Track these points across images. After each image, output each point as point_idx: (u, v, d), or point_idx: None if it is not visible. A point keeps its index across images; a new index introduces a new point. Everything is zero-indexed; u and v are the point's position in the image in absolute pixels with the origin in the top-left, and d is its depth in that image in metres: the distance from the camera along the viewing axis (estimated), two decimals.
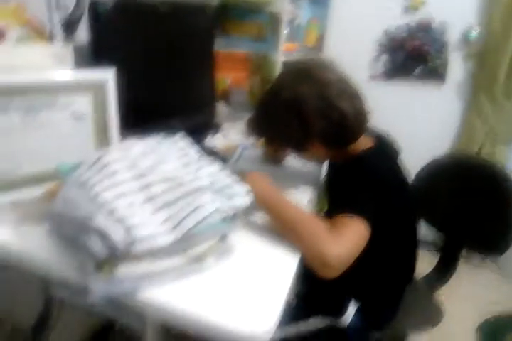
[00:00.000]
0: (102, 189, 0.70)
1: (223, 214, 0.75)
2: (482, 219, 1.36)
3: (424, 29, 2.08)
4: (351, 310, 1.18)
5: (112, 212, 0.67)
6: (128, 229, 0.66)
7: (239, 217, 0.78)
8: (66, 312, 1.03)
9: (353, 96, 1.04)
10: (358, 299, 1.18)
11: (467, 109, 2.19)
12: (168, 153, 0.80)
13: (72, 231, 0.71)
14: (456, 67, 2.15)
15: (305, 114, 1.01)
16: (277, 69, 1.71)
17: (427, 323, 1.34)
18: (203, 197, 0.73)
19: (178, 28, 1.25)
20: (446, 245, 1.49)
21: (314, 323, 1.17)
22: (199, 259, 0.75)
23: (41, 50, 0.98)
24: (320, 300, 1.22)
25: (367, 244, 0.93)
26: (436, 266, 1.49)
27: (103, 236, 0.65)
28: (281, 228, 0.92)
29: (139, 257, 0.68)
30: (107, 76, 0.98)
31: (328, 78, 1.03)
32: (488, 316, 2.04)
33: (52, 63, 0.99)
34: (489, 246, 1.36)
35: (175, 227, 0.70)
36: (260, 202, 0.92)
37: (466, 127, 2.20)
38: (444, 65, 2.15)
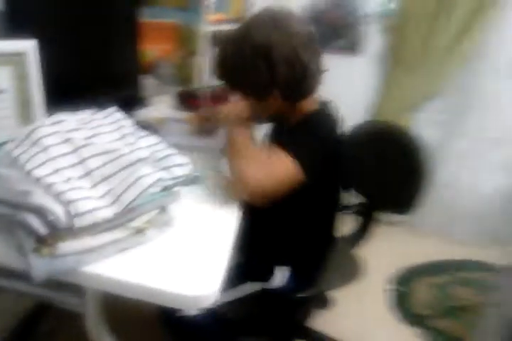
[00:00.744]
0: (37, 165, 0.68)
1: (163, 185, 0.77)
2: (394, 180, 1.50)
3: (342, 2, 2.16)
4: (280, 274, 1.27)
5: (49, 188, 0.66)
6: (67, 205, 0.66)
7: (178, 188, 0.81)
8: None
9: (316, 52, 1.08)
10: (285, 263, 1.27)
11: (382, 79, 2.34)
12: (103, 126, 0.79)
13: (6, 210, 0.70)
14: (373, 40, 2.27)
15: (273, 61, 1.03)
16: (203, 41, 1.70)
17: (349, 279, 1.48)
18: (143, 169, 0.74)
19: None
20: (363, 206, 1.63)
21: (247, 289, 1.25)
22: (140, 231, 0.77)
23: None
24: (251, 268, 1.29)
25: (293, 205, 1.00)
26: (355, 226, 1.63)
27: (42, 213, 0.64)
28: (230, 155, 1.03)
29: (79, 232, 0.69)
30: (28, 47, 0.93)
31: (299, 29, 1.05)
32: (401, 267, 2.28)
33: None
34: (400, 206, 1.52)
35: (115, 201, 0.71)
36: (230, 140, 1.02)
37: (381, 97, 2.36)
38: (361, 38, 2.26)
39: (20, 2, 0.99)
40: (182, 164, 0.80)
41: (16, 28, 0.98)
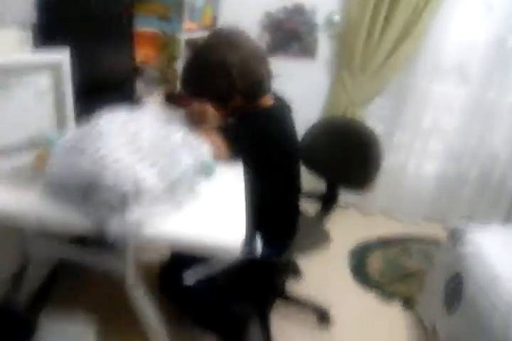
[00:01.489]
0: (104, 152, 0.89)
1: (194, 168, 0.99)
2: (351, 164, 1.79)
3: (299, 12, 2.44)
4: (258, 242, 1.52)
5: (118, 171, 0.87)
6: (134, 182, 0.87)
7: (204, 170, 1.03)
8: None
9: (265, 59, 1.35)
10: (262, 233, 1.52)
11: (333, 80, 2.65)
12: (145, 122, 1.00)
13: (79, 189, 0.89)
14: (324, 46, 2.58)
15: (231, 77, 1.29)
16: (181, 47, 1.91)
17: (316, 247, 1.76)
18: (181, 154, 0.97)
19: (102, 8, 1.39)
20: (327, 187, 1.91)
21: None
22: (179, 203, 0.99)
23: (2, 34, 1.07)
24: None
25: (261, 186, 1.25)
26: (321, 204, 1.92)
27: (115, 189, 0.85)
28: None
29: (143, 202, 0.90)
30: (63, 56, 1.11)
31: (248, 46, 1.33)
32: (358, 243, 2.61)
33: (14, 46, 1.08)
34: (356, 185, 1.82)
35: (164, 179, 0.93)
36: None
37: (332, 96, 2.66)
38: (314, 44, 2.55)
39: (50, 17, 1.17)
40: (207, 152, 1.03)
41: (46, 38, 1.17)
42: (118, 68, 1.52)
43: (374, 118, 2.70)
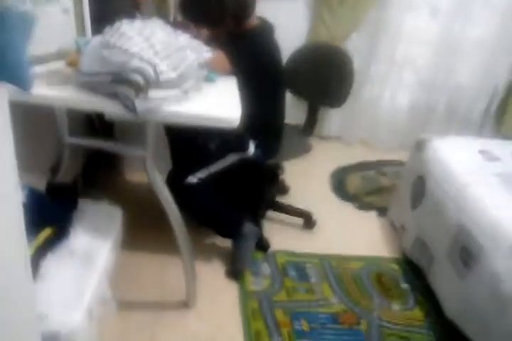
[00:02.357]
0: (129, 46, 1.13)
1: (198, 62, 1.24)
2: (330, 84, 2.05)
3: None
4: (251, 146, 1.80)
5: (142, 58, 1.11)
6: (154, 67, 1.12)
7: (205, 66, 1.28)
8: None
9: None
10: (254, 138, 1.79)
11: (312, 15, 2.85)
12: (156, 27, 1.24)
13: (110, 77, 1.14)
14: None
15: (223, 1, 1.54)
16: None
17: (301, 153, 2.06)
18: (187, 52, 1.21)
19: None
20: (309, 104, 2.18)
21: (230, 159, 1.77)
22: (186, 92, 1.24)
23: None
24: (230, 144, 1.78)
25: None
26: (305, 119, 2.19)
27: (141, 71, 1.10)
28: None
29: (158, 86, 1.15)
30: None
31: None
32: (338, 166, 2.91)
33: None
34: (334, 102, 2.09)
35: (175, 68, 1.18)
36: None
37: (313, 31, 2.87)
38: None
39: None
40: (207, 50, 1.27)
41: None
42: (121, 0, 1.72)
43: (351, 51, 2.92)
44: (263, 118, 1.76)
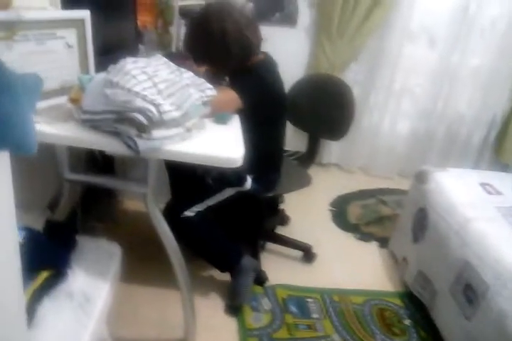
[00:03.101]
0: (132, 85, 1.12)
1: (202, 100, 1.23)
2: (331, 117, 2.05)
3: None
4: (249, 180, 1.78)
5: (144, 98, 1.10)
6: (157, 107, 1.11)
7: (208, 104, 1.27)
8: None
9: (256, 26, 1.59)
10: (253, 172, 1.78)
11: (313, 46, 2.89)
12: (159, 65, 1.23)
13: (114, 116, 1.13)
14: (304, 14, 2.80)
15: (228, 43, 1.54)
16: (176, 13, 2.13)
17: (299, 186, 2.04)
18: (190, 90, 1.21)
19: None
20: (309, 136, 2.18)
21: (227, 193, 1.75)
22: (189, 130, 1.23)
23: None
24: (227, 178, 1.76)
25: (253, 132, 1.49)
26: (306, 150, 2.18)
27: (144, 111, 1.09)
28: None
29: (161, 125, 1.14)
30: (86, 15, 1.33)
31: (240, 15, 1.55)
32: (337, 195, 2.89)
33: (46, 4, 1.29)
34: (335, 134, 2.09)
35: (178, 107, 1.17)
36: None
37: (313, 59, 2.90)
38: (295, 12, 2.77)
39: None
40: (210, 88, 1.27)
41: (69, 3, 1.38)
42: (124, 32, 1.73)
43: (351, 81, 2.94)
44: (263, 151, 1.75)
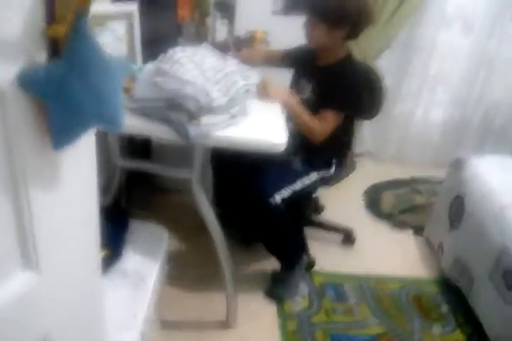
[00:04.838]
0: (182, 73, 1.17)
1: (246, 88, 1.27)
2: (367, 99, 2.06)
3: None
4: (333, 163, 1.82)
5: (194, 85, 1.15)
6: (207, 93, 1.15)
7: (252, 91, 1.32)
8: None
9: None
10: (336, 157, 1.84)
11: None
12: (205, 54, 1.28)
13: (163, 103, 1.18)
14: None
15: (365, 8, 1.60)
16: (211, 5, 2.17)
17: (352, 170, 2.09)
18: (236, 77, 1.25)
19: None
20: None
21: (313, 177, 1.79)
22: (234, 117, 1.28)
23: None
24: (315, 161, 1.82)
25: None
26: None
27: (194, 98, 1.14)
28: (296, 118, 1.62)
29: (211, 111, 1.19)
30: (134, 8, 1.38)
31: None
32: (372, 184, 2.90)
33: None
34: (367, 114, 2.11)
35: (225, 94, 1.21)
36: (285, 105, 1.56)
37: None
38: None
39: None
40: (255, 75, 1.31)
41: None
42: (166, 25, 1.79)
43: (384, 69, 2.93)
44: (345, 137, 1.84)
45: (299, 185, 1.73)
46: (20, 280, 0.56)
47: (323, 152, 1.72)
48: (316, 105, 1.66)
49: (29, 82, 0.46)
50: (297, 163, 1.76)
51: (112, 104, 0.51)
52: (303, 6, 1.64)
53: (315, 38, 1.68)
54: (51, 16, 0.47)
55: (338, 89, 1.65)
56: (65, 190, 0.58)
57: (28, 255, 0.56)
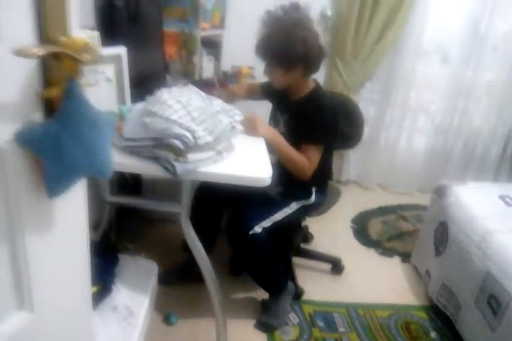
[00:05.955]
0: (169, 114, 1.23)
1: (231, 126, 1.34)
2: (345, 129, 2.14)
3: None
4: (313, 192, 1.87)
5: (181, 125, 1.21)
6: (192, 133, 1.21)
7: (236, 129, 1.38)
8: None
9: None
10: (316, 185, 1.89)
11: (328, 68, 3.00)
12: (191, 94, 1.35)
13: (151, 142, 1.24)
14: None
15: (308, 46, 1.64)
16: (198, 44, 2.27)
17: (335, 200, 2.13)
18: (221, 116, 1.31)
19: (144, 14, 1.73)
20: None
21: (294, 206, 1.84)
22: (220, 153, 1.33)
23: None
24: (294, 191, 1.86)
25: None
26: None
27: (180, 137, 1.20)
28: (283, 155, 1.68)
29: (196, 150, 1.24)
30: (122, 51, 1.46)
31: (315, 30, 1.70)
32: (358, 212, 2.95)
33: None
34: (349, 144, 2.23)
35: (211, 132, 1.27)
36: (272, 141, 1.61)
37: (329, 81, 3.01)
38: None
39: (106, 22, 1.52)
40: (239, 114, 1.38)
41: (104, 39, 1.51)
42: (154, 64, 1.87)
43: (367, 100, 3.05)
44: (324, 166, 1.86)
45: (280, 215, 1.78)
46: (14, 320, 0.60)
47: (302, 182, 1.77)
48: (288, 138, 1.72)
49: (25, 140, 0.52)
50: (276, 194, 1.81)
51: (101, 156, 0.56)
52: (257, 54, 1.72)
53: (277, 81, 1.80)
54: (46, 80, 0.53)
55: (307, 123, 1.70)
56: (58, 234, 0.62)
57: (22, 296, 0.60)
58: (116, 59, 1.45)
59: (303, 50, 1.63)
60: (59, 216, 0.62)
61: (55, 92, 0.53)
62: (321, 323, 1.93)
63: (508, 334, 1.55)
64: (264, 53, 1.70)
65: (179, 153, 1.21)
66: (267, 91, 1.97)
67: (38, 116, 0.54)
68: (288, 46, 1.63)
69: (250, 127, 1.58)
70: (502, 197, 2.11)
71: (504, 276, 1.63)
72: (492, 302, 1.65)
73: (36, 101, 0.54)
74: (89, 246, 0.74)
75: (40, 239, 0.59)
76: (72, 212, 0.66)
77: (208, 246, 1.53)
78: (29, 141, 0.51)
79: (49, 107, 0.54)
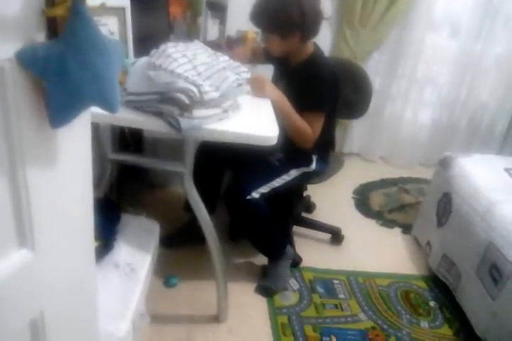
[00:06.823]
0: (174, 67, 1.18)
1: (238, 83, 1.29)
2: (351, 96, 2.09)
3: None
4: (314, 160, 1.84)
5: (186, 79, 1.17)
6: (198, 87, 1.17)
7: (243, 86, 1.33)
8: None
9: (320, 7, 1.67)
10: (317, 154, 1.85)
11: (335, 35, 2.91)
12: (197, 49, 1.30)
13: (155, 96, 1.19)
14: (327, 4, 2.82)
15: (304, 10, 1.58)
16: (203, 5, 2.19)
17: (337, 169, 2.11)
18: (227, 72, 1.27)
19: None
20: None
21: (293, 173, 1.81)
22: (226, 111, 1.29)
23: None
24: (294, 158, 1.83)
25: None
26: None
27: (186, 91, 1.15)
28: (286, 120, 1.60)
29: (201, 106, 1.20)
30: (126, 3, 1.40)
31: None
32: (360, 183, 2.93)
33: None
34: (355, 113, 2.19)
35: (216, 89, 1.23)
36: (278, 103, 1.56)
37: (335, 50, 2.93)
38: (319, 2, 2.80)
39: None
40: (246, 71, 1.33)
41: None
42: (158, 22, 1.80)
43: (373, 70, 2.98)
44: (326, 134, 1.81)
45: (278, 181, 1.76)
46: (15, 258, 0.57)
47: (303, 149, 1.73)
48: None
49: (28, 60, 0.48)
50: (276, 161, 1.78)
51: (109, 85, 0.53)
52: (251, 21, 1.66)
53: (274, 49, 1.75)
54: None
55: (306, 89, 1.66)
56: (62, 170, 0.59)
57: (23, 233, 0.57)
58: (120, 12, 1.39)
59: (298, 14, 1.57)
60: (63, 150, 0.58)
61: (59, 11, 0.49)
62: (320, 289, 1.93)
63: (509, 302, 1.56)
64: (258, 19, 1.64)
65: (184, 108, 1.17)
66: (270, 56, 1.91)
67: (41, 37, 0.50)
68: (282, 10, 1.57)
69: (257, 87, 1.53)
70: (507, 170, 2.09)
71: (507, 247, 1.61)
72: (493, 272, 1.65)
73: (40, 20, 0.49)
74: (91, 189, 0.71)
75: (42, 172, 0.56)
76: (77, 147, 0.62)
77: (209, 209, 1.51)
78: (32, 61, 0.48)
79: (53, 27, 0.50)
